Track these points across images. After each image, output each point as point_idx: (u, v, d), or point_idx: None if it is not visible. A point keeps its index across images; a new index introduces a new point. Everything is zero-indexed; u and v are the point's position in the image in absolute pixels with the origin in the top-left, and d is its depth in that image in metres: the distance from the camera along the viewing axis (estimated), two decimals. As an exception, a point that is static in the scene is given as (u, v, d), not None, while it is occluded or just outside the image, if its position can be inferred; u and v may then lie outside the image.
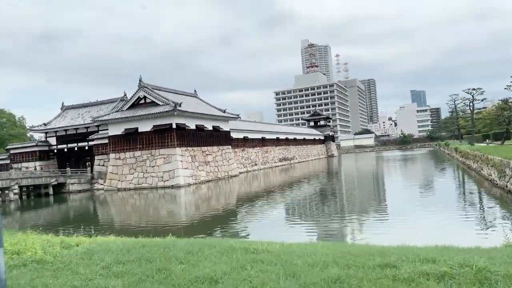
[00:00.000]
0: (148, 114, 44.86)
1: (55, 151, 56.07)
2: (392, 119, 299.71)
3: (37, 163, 54.40)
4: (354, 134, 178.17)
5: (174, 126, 44.76)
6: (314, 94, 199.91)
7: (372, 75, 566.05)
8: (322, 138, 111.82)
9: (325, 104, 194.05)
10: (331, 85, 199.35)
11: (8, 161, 56.96)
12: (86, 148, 53.34)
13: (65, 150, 55.28)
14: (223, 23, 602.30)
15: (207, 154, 50.65)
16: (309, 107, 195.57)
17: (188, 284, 4.11)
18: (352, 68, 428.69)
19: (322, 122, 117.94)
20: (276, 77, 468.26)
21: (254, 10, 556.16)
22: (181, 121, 45.78)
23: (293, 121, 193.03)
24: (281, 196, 30.37)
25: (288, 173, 57.73)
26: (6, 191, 42.06)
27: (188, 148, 47.05)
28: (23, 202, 42.78)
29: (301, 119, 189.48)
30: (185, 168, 45.19)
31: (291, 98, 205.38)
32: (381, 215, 18.54)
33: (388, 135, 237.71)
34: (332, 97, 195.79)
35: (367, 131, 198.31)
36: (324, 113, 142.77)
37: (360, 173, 50.38)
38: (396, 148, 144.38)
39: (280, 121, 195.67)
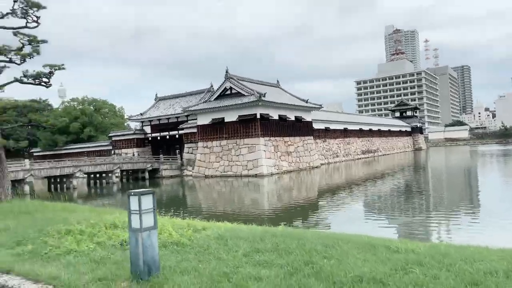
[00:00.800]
0: (234, 104, 46.07)
1: (150, 139, 60.80)
2: (490, 109, 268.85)
3: (135, 150, 59.61)
4: (445, 126, 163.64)
5: (258, 116, 45.36)
6: (399, 83, 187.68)
7: (467, 61, 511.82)
8: (408, 129, 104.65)
9: (412, 94, 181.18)
10: (419, 73, 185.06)
11: (110, 147, 63.32)
12: (176, 136, 56.86)
13: (158, 138, 59.63)
14: (300, 12, 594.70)
15: (289, 145, 50.57)
16: (393, 97, 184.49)
17: (352, 283, 3.81)
18: (443, 54, 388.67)
19: (409, 113, 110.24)
20: (356, 66, 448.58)
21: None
22: (265, 111, 46.23)
23: (375, 111, 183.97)
24: (364, 189, 29.00)
25: (372, 166, 55.10)
26: (110, 174, 46.85)
27: (271, 138, 47.41)
28: (123, 184, 47.31)
29: (384, 110, 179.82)
30: (268, 158, 45.67)
31: (373, 87, 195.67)
32: (475, 215, 16.52)
33: (485, 127, 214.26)
34: (419, 86, 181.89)
35: (460, 123, 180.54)
36: (411, 103, 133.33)
37: (453, 169, 45.52)
38: (495, 142, 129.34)
39: (361, 111, 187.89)
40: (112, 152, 60.33)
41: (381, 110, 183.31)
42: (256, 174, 44.03)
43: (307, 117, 55.34)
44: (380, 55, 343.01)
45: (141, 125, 63.06)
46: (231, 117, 47.25)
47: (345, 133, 70.69)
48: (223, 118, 47.80)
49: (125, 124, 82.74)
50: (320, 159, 58.14)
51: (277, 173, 45.79)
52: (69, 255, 5.55)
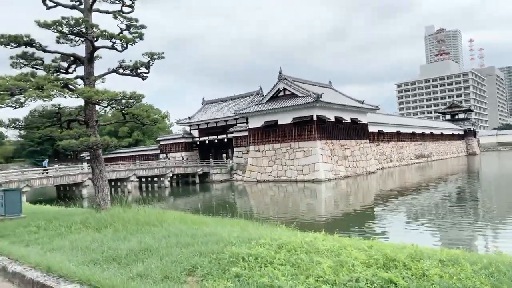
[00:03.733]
0: (289, 106, 44.05)
1: (198, 142, 59.88)
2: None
3: (183, 154, 58.87)
4: (497, 129, 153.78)
5: (315, 118, 43.09)
6: (444, 85, 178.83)
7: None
8: (461, 133, 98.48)
9: (457, 96, 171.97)
10: (465, 74, 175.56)
11: (158, 152, 63.05)
12: (225, 140, 55.54)
13: (206, 142, 58.58)
14: (335, 18, 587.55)
15: (345, 148, 47.85)
16: (437, 99, 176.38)
17: None
18: (488, 55, 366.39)
19: (461, 115, 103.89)
20: (394, 69, 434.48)
21: (367, 1, 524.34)
22: (321, 113, 43.90)
23: (417, 114, 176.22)
24: (430, 197, 26.50)
25: (428, 172, 51.20)
26: (162, 178, 45.96)
27: (328, 141, 44.94)
28: (173, 188, 46.14)
29: (427, 113, 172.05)
30: (325, 162, 43.21)
31: (415, 90, 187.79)
32: None
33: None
34: (466, 88, 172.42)
35: (509, 126, 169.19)
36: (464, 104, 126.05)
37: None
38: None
39: (402, 115, 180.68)
40: (164, 156, 59.76)
41: (423, 113, 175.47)
42: (313, 180, 41.67)
43: (363, 119, 52.42)
44: (420, 58, 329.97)
45: (188, 129, 62.36)
46: (284, 119, 45.23)
47: (398, 136, 66.89)
48: (276, 121, 45.88)
49: (169, 128, 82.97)
50: (375, 164, 54.88)
51: (334, 179, 43.20)
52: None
